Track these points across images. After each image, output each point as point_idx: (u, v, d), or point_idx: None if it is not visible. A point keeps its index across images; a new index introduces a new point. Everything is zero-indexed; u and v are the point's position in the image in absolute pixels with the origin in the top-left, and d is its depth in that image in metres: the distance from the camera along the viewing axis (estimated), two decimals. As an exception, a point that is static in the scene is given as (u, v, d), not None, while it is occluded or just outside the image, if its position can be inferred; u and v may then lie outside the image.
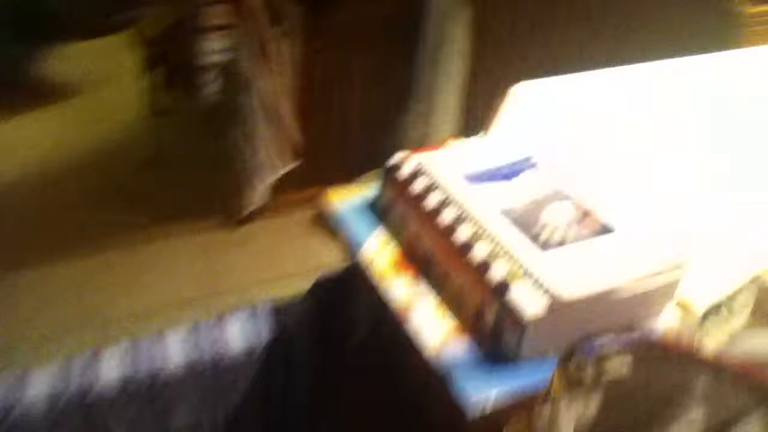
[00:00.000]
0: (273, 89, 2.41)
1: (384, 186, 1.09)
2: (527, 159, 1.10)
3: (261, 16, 2.27)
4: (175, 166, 2.86)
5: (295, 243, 2.61)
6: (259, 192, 2.55)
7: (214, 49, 2.28)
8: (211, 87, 2.34)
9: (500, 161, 1.09)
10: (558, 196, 1.01)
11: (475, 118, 2.86)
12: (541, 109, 1.38)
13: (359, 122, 2.70)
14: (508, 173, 1.06)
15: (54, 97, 3.37)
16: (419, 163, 1.07)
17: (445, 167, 1.06)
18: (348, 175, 2.79)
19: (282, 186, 2.63)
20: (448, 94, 2.63)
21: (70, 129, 3.16)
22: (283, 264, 2.50)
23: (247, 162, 2.47)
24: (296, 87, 2.48)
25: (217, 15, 2.23)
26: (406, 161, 1.08)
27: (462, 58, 2.60)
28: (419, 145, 2.68)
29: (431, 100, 2.62)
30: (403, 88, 2.63)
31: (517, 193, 1.02)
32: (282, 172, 2.56)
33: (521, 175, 1.06)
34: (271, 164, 2.52)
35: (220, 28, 2.25)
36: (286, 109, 2.47)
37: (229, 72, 2.33)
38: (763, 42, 1.92)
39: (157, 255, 2.48)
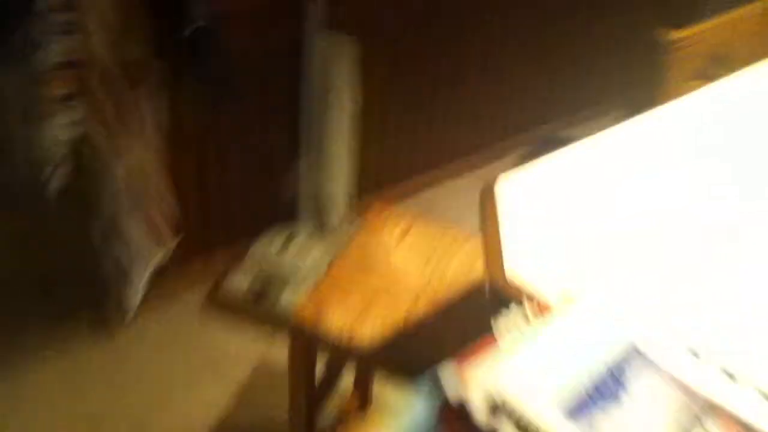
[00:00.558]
0: (139, 163, 1.94)
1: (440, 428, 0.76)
2: (613, 354, 0.81)
3: (115, 78, 1.79)
4: (18, 269, 2.24)
5: (187, 336, 2.17)
6: (138, 286, 2.08)
7: (58, 125, 1.77)
8: (58, 172, 1.83)
9: (589, 371, 0.79)
10: (690, 407, 0.74)
11: (365, 162, 2.50)
12: (534, 204, 1.15)
13: (242, 181, 2.29)
14: (612, 387, 0.77)
15: None
16: (491, 397, 0.74)
17: (529, 396, 0.74)
18: (233, 240, 2.36)
19: (161, 267, 2.17)
20: (339, 137, 2.28)
21: None
22: (178, 370, 2.06)
23: (119, 255, 1.99)
24: (166, 154, 2.02)
25: (58, 83, 1.71)
26: (462, 389, 0.74)
27: (349, 97, 2.25)
28: (314, 199, 2.31)
29: (322, 146, 2.26)
30: (289, 137, 2.24)
31: (640, 423, 0.73)
32: (161, 256, 2.10)
33: (627, 387, 0.77)
34: (147, 251, 2.05)
35: (65, 98, 1.74)
36: (158, 182, 2.01)
37: (80, 151, 1.83)
38: (687, 67, 1.81)
39: (8, 397, 1.93)
